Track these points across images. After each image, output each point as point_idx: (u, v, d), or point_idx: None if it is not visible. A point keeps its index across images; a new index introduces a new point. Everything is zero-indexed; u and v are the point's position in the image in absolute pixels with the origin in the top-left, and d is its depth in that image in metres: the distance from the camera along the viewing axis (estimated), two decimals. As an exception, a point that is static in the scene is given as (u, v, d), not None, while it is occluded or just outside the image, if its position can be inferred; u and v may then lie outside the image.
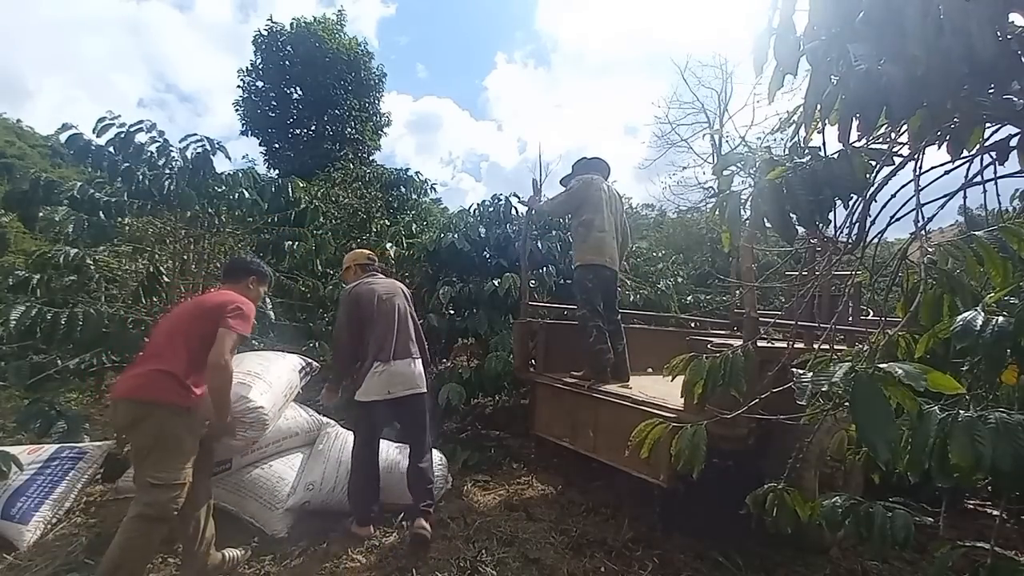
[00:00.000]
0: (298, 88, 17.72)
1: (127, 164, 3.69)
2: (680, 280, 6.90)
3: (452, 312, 4.61)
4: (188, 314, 2.25)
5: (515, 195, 4.94)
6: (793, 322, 2.20)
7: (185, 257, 4.22)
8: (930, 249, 1.22)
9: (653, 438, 1.48)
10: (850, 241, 1.39)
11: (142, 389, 2.07)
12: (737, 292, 5.23)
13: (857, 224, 1.33)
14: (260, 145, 17.93)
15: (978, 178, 1.21)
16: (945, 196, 1.24)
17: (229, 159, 4.62)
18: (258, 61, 17.66)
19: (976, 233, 1.11)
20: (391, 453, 3.14)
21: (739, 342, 2.10)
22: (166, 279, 4.14)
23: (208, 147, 3.95)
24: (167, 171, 3.83)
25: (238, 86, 17.82)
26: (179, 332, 2.18)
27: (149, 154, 3.83)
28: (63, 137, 3.67)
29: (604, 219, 3.45)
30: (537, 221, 4.27)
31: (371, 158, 17.36)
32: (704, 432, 1.40)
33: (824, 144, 1.32)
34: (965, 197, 1.25)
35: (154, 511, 2.04)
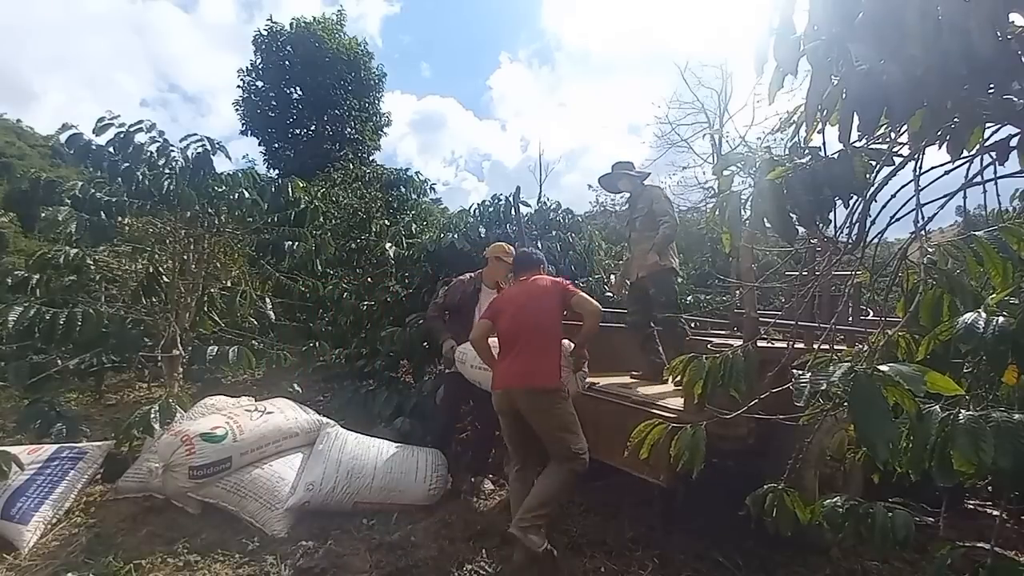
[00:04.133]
0: (298, 88, 17.67)
1: (127, 164, 3.69)
2: (680, 280, 6.89)
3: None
4: (534, 304, 2.55)
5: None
6: (793, 322, 2.20)
7: (185, 257, 4.22)
8: (930, 249, 1.22)
9: (653, 439, 1.48)
10: (850, 241, 1.39)
11: (539, 379, 2.41)
12: (737, 292, 5.22)
13: (857, 224, 1.33)
14: (260, 145, 17.89)
15: (978, 178, 1.21)
16: (945, 196, 1.24)
17: (229, 159, 4.64)
18: (258, 61, 17.62)
19: (976, 233, 1.11)
20: (391, 452, 3.14)
21: (739, 342, 2.09)
22: (166, 279, 4.14)
23: (208, 147, 3.95)
24: (167, 171, 3.83)
25: (238, 86, 17.80)
26: (535, 321, 2.50)
27: (149, 154, 3.83)
28: (63, 137, 3.67)
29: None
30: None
31: (371, 158, 17.32)
32: (703, 433, 1.40)
33: (824, 144, 1.32)
34: (965, 197, 1.25)
35: (581, 469, 2.42)
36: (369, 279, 5.34)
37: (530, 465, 2.58)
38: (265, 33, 17.41)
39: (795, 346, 1.91)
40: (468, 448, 3.65)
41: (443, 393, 3.64)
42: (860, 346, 1.46)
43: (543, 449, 2.56)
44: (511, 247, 3.68)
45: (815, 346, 1.65)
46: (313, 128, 17.60)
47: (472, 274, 3.62)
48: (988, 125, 1.17)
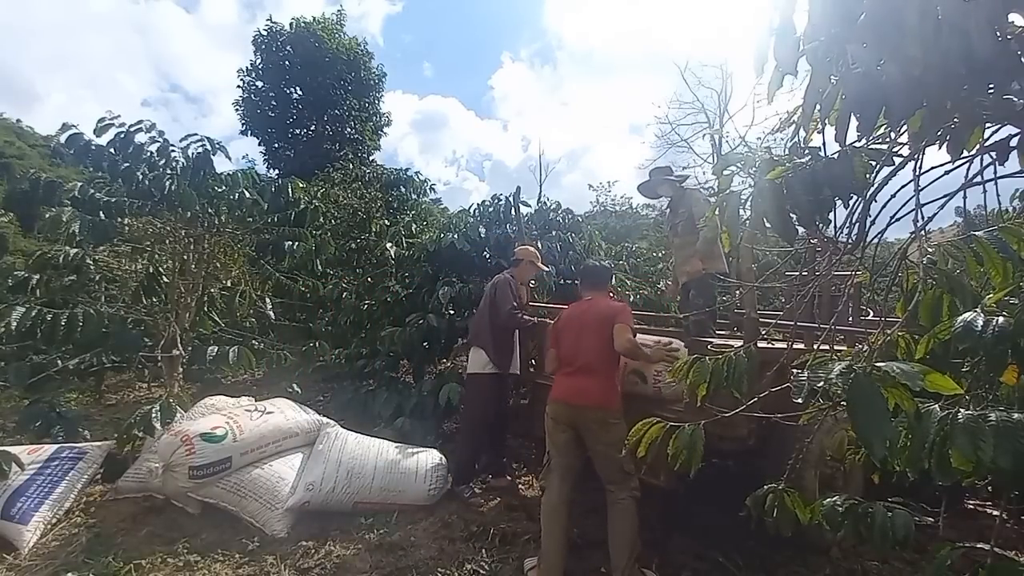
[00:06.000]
0: (298, 88, 17.68)
1: (127, 164, 3.69)
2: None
3: (452, 312, 4.60)
4: (593, 326, 2.59)
5: None
6: (793, 323, 2.20)
7: (185, 257, 4.22)
8: (930, 249, 1.22)
9: (650, 438, 1.48)
10: (850, 241, 1.38)
11: (597, 398, 2.50)
12: (737, 292, 5.21)
13: (857, 224, 1.33)
14: (260, 145, 17.92)
15: (978, 178, 1.20)
16: (945, 196, 1.23)
17: (229, 159, 4.62)
18: (258, 61, 17.63)
19: (976, 233, 1.11)
20: (391, 453, 3.14)
21: (739, 343, 2.09)
22: (166, 279, 4.14)
23: (208, 147, 3.94)
24: (167, 171, 3.83)
25: (238, 86, 17.82)
26: (596, 349, 2.55)
27: (149, 154, 3.83)
28: (63, 137, 3.67)
29: None
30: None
31: (371, 158, 17.33)
32: (702, 432, 1.40)
33: (824, 144, 1.31)
34: (965, 197, 1.25)
35: (637, 492, 2.46)
36: (369, 279, 5.34)
37: (569, 480, 2.59)
38: (265, 33, 17.42)
39: (795, 347, 1.91)
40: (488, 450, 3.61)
41: (485, 396, 3.48)
42: (860, 346, 1.46)
43: (582, 469, 2.60)
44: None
45: (815, 346, 1.65)
46: (313, 128, 17.61)
47: (509, 274, 3.61)
48: (988, 125, 1.17)
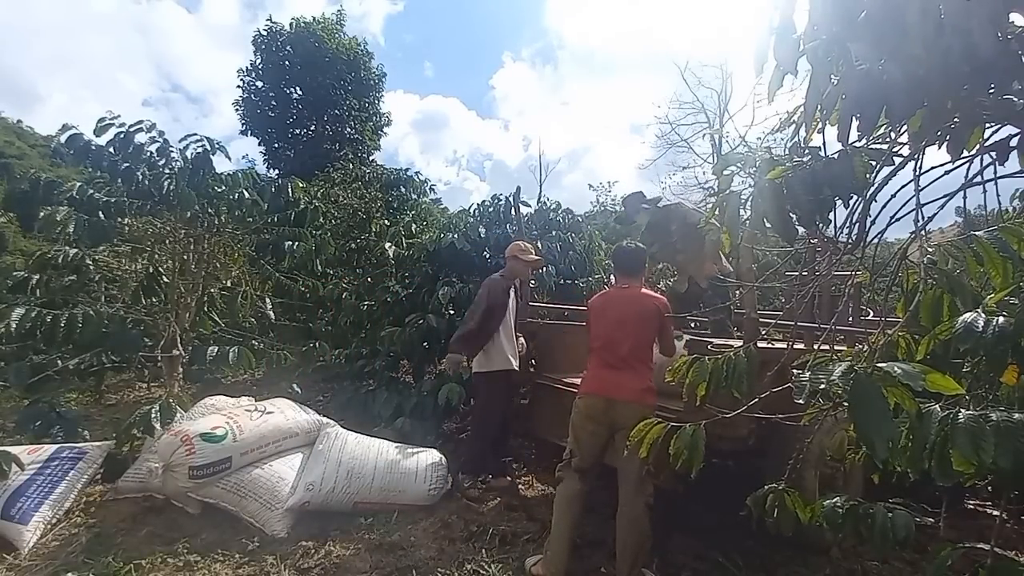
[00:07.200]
0: (298, 88, 17.67)
1: (127, 164, 3.69)
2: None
3: (452, 312, 4.60)
4: (633, 319, 2.50)
5: None
6: (793, 323, 2.20)
7: (185, 257, 4.22)
8: (930, 249, 1.22)
9: (652, 438, 1.48)
10: (850, 241, 1.39)
11: (645, 395, 2.44)
12: (737, 292, 5.21)
13: (857, 224, 1.33)
14: (260, 145, 17.91)
15: (978, 178, 1.21)
16: (945, 196, 1.24)
17: (229, 159, 4.62)
18: (258, 61, 17.62)
19: (976, 233, 1.11)
20: (391, 453, 3.14)
21: (739, 343, 2.09)
22: (166, 279, 4.14)
23: (208, 147, 3.94)
24: (167, 171, 3.83)
25: (238, 86, 17.81)
26: (634, 338, 2.48)
27: (149, 154, 3.83)
28: (63, 137, 3.67)
29: None
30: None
31: (371, 158, 17.32)
32: (703, 432, 1.40)
33: (824, 144, 1.32)
34: (965, 197, 1.25)
35: (651, 499, 2.39)
36: (369, 279, 5.33)
37: (587, 478, 2.53)
38: (265, 33, 17.41)
39: (795, 347, 1.91)
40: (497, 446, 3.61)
41: (499, 391, 3.47)
42: (860, 346, 1.45)
43: (599, 468, 2.56)
44: (527, 244, 3.72)
45: (815, 346, 1.65)
46: (313, 128, 17.60)
47: (500, 274, 3.60)
48: (988, 125, 1.17)
